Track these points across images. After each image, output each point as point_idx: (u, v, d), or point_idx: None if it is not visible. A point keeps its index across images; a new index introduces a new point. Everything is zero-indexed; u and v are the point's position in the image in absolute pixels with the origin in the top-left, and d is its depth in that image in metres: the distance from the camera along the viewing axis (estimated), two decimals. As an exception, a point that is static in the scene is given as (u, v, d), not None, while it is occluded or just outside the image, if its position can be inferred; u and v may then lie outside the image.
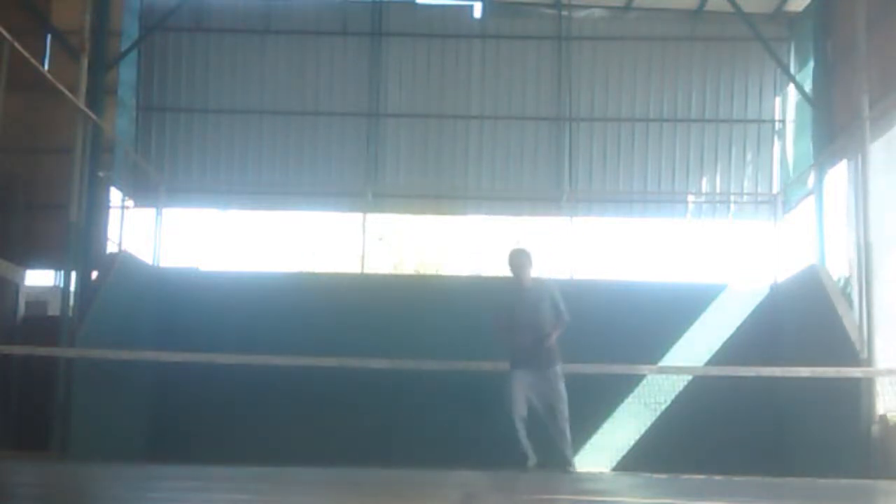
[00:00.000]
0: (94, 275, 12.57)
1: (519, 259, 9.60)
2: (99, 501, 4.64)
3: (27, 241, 13.43)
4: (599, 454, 13.27)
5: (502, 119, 15.74)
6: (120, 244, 13.41)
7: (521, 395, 9.34)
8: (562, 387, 9.36)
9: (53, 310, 13.29)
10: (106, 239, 13.56)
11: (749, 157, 15.68)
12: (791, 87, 15.09)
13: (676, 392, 13.38)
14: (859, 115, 10.90)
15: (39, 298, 14.40)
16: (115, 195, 14.31)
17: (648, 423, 13.40)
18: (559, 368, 9.39)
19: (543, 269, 20.23)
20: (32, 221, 13.63)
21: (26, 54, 9.60)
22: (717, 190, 15.74)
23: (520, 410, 9.30)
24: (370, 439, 12.98)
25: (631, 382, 13.29)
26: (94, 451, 10.94)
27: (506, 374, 9.48)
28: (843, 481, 8.74)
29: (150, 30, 14.94)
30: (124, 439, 12.34)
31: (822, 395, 11.26)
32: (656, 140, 15.71)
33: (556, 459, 9.36)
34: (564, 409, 9.34)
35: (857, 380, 10.46)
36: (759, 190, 15.55)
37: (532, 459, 9.27)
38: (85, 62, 11.79)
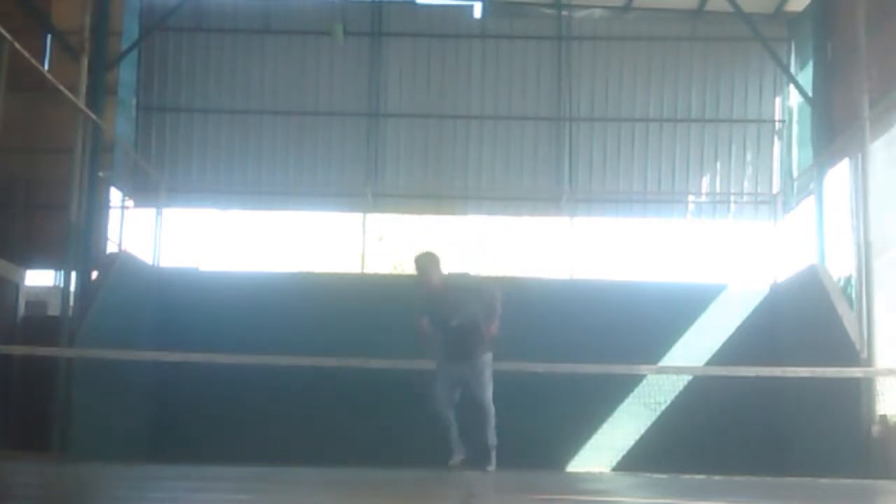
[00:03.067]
0: (94, 275, 12.56)
1: (424, 262, 9.67)
2: (99, 501, 4.64)
3: (27, 241, 13.43)
4: (599, 454, 13.27)
5: (502, 119, 15.75)
6: (120, 244, 13.41)
7: (447, 393, 9.42)
8: (486, 378, 9.42)
9: (53, 310, 13.29)
10: (106, 239, 13.55)
11: (749, 157, 15.68)
12: (791, 87, 15.09)
13: (676, 392, 13.36)
14: (859, 115, 10.89)
15: (39, 298, 14.39)
16: (115, 195, 14.31)
17: (648, 423, 13.38)
18: (487, 358, 9.44)
19: (542, 269, 20.23)
20: (32, 221, 13.63)
21: (26, 54, 9.59)
22: (717, 190, 15.74)
23: (447, 407, 9.41)
24: (370, 439, 12.97)
25: (631, 382, 13.28)
26: (94, 451, 10.93)
27: (431, 372, 9.55)
28: (843, 481, 8.74)
29: (150, 30, 14.94)
30: (124, 439, 12.33)
31: (822, 395, 11.26)
32: (656, 140, 15.72)
33: (479, 456, 9.39)
34: (487, 399, 9.37)
35: (857, 380, 10.46)
36: (759, 190, 15.55)
37: (458, 458, 9.30)
38: (85, 62, 11.79)
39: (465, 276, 9.88)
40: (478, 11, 16.15)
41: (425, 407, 9.55)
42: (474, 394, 9.41)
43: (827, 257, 13.24)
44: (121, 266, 12.57)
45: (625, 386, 13.26)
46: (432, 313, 9.54)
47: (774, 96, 15.71)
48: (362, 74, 15.75)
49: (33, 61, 9.96)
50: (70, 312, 11.16)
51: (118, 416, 12.15)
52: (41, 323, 12.79)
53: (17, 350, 10.91)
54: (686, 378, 13.25)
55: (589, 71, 15.78)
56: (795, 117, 15.17)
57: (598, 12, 15.96)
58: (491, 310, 9.49)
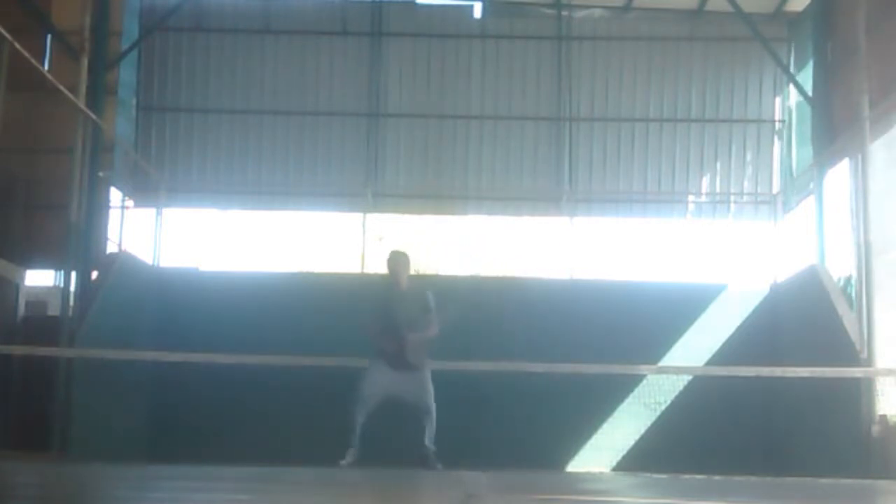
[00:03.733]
0: (94, 275, 12.56)
1: (397, 261, 9.81)
2: (99, 501, 4.64)
3: (27, 241, 13.42)
4: (599, 454, 13.27)
5: (502, 119, 15.74)
6: (120, 244, 13.40)
7: (377, 393, 9.50)
8: (430, 386, 9.57)
9: (53, 310, 13.28)
10: (106, 239, 13.55)
11: (749, 157, 15.68)
12: (791, 87, 15.08)
13: (676, 392, 13.37)
14: (859, 115, 10.89)
15: (39, 298, 14.38)
16: (115, 195, 14.31)
17: (648, 423, 13.39)
18: (428, 371, 9.58)
19: (542, 269, 20.23)
20: (32, 221, 13.62)
21: (26, 54, 9.59)
22: (717, 190, 15.74)
23: (365, 411, 9.55)
24: (370, 439, 12.96)
25: (631, 382, 13.28)
26: (94, 451, 10.93)
27: (364, 368, 9.64)
28: (843, 481, 8.74)
29: (150, 30, 14.94)
30: (124, 439, 12.33)
31: (822, 395, 11.26)
32: (656, 140, 15.71)
33: (421, 458, 9.53)
34: (432, 405, 9.54)
35: (857, 380, 10.46)
36: (759, 190, 15.54)
37: (351, 458, 9.46)
38: (85, 62, 11.78)
39: (425, 284, 10.02)
40: (478, 11, 16.15)
41: (348, 403, 9.62)
42: (423, 403, 9.54)
43: (827, 257, 13.23)
44: (121, 266, 12.57)
45: (625, 386, 13.27)
46: (390, 315, 9.59)
47: (774, 96, 15.70)
48: (362, 74, 15.74)
49: (33, 61, 9.96)
50: (70, 312, 11.16)
51: (118, 416, 12.15)
52: (41, 323, 12.78)
53: (17, 350, 10.90)
54: (686, 378, 13.26)
55: (589, 71, 15.77)
56: (795, 117, 15.16)
57: (598, 12, 15.96)
58: (430, 321, 9.56)
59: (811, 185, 13.97)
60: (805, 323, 12.53)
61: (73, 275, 11.59)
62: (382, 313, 9.64)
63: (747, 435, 12.99)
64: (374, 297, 9.93)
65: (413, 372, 9.52)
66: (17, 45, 9.42)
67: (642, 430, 13.37)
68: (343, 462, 9.44)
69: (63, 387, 10.80)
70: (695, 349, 13.38)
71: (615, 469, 13.12)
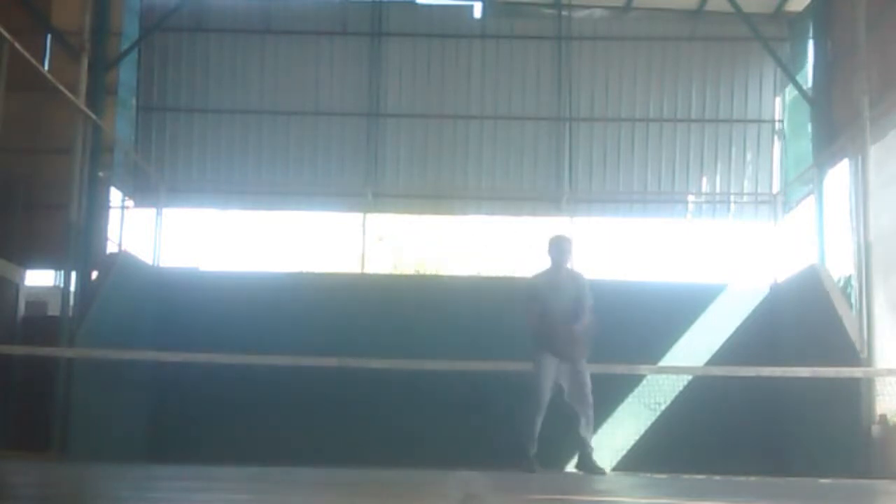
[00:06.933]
0: (94, 275, 12.57)
1: (560, 245, 9.59)
2: (99, 501, 4.64)
3: (27, 241, 13.42)
4: (599, 454, 13.22)
5: (502, 119, 15.74)
6: (120, 244, 13.41)
7: (551, 388, 9.35)
8: (588, 378, 9.43)
9: (53, 310, 13.28)
10: (106, 239, 13.56)
11: (749, 157, 15.68)
12: (791, 87, 15.09)
13: (676, 392, 13.37)
14: (859, 115, 10.89)
15: (39, 298, 14.39)
16: (115, 195, 14.32)
17: (648, 423, 13.39)
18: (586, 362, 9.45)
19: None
20: (32, 221, 13.62)
21: (26, 54, 9.59)
22: (717, 190, 15.74)
23: (545, 404, 9.36)
24: (370, 439, 12.98)
25: (631, 382, 13.29)
26: (94, 451, 10.94)
27: (534, 363, 9.45)
28: (843, 481, 8.74)
29: (150, 30, 14.93)
30: (124, 439, 12.34)
31: (822, 395, 11.26)
32: (656, 140, 15.71)
33: (581, 462, 9.66)
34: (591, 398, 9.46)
35: (857, 380, 10.46)
36: (759, 190, 15.54)
37: (535, 463, 9.38)
38: (85, 62, 11.78)
39: (582, 274, 9.88)
40: (478, 11, 16.15)
41: (531, 403, 9.42)
42: (585, 397, 9.40)
43: (827, 257, 13.24)
44: (121, 266, 12.57)
45: (625, 386, 13.27)
46: (547, 301, 9.38)
47: (774, 96, 15.70)
48: (362, 74, 15.74)
49: (33, 61, 9.96)
50: (70, 312, 11.16)
51: (118, 416, 12.16)
52: (41, 323, 12.78)
53: (17, 350, 10.90)
54: (686, 378, 13.26)
55: (589, 71, 15.77)
56: (795, 117, 15.16)
57: (598, 12, 15.96)
58: (584, 309, 9.40)
59: (811, 185, 13.97)
60: (805, 323, 12.53)
61: (73, 275, 11.60)
62: (542, 301, 9.35)
63: (747, 435, 12.98)
64: (532, 284, 9.65)
65: (575, 363, 9.32)
66: (18, 45, 9.41)
67: (642, 430, 13.38)
68: (536, 469, 9.30)
69: (63, 387, 10.80)
70: (695, 349, 13.38)
71: (615, 469, 13.12)
